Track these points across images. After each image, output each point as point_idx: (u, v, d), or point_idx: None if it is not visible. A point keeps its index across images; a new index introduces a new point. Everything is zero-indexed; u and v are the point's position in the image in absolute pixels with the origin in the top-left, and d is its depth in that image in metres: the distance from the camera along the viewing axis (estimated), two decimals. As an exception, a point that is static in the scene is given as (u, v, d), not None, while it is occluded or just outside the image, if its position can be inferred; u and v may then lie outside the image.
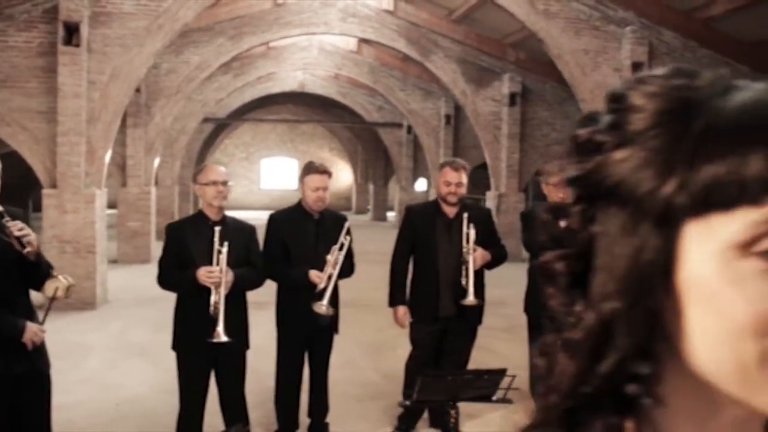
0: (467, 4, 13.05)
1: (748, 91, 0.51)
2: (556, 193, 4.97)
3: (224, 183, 4.22)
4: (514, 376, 3.68)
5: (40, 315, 3.69)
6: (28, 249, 3.38)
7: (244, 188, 32.55)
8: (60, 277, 3.66)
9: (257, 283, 4.44)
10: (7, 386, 3.45)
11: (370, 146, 28.48)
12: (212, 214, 4.23)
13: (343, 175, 33.17)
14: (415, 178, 23.41)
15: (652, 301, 0.52)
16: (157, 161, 14.87)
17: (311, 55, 19.00)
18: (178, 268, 4.18)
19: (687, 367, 0.53)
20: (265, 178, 33.50)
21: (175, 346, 4.33)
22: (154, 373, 6.27)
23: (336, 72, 20.56)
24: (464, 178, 4.79)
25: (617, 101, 0.55)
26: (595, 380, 0.54)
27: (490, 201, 15.25)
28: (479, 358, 5.97)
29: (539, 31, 10.54)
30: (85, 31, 9.35)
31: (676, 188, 0.50)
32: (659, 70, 0.55)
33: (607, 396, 0.54)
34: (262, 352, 5.14)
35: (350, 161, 32.72)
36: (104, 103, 9.50)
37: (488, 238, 4.86)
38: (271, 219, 4.81)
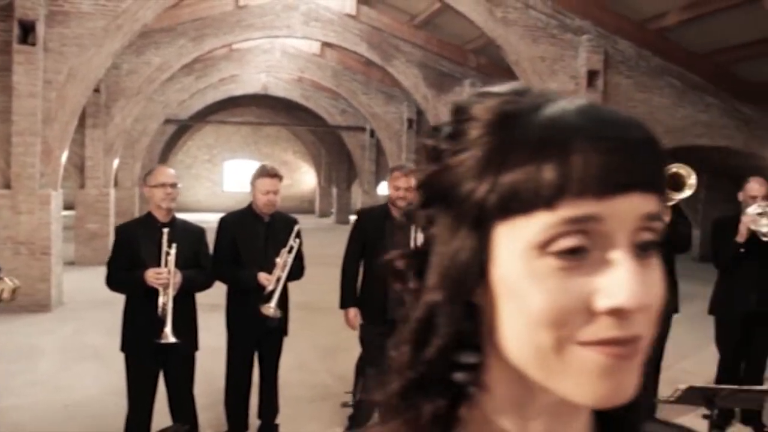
0: (429, 9, 13.18)
1: (555, 107, 0.56)
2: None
3: (173, 185, 4.24)
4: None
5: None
6: None
7: (208, 190, 32.34)
8: (6, 278, 3.66)
9: (206, 285, 4.47)
10: None
11: (334, 149, 28.50)
12: (161, 216, 4.25)
13: (306, 178, 33.16)
14: (377, 182, 23.49)
15: (471, 296, 0.57)
16: (116, 162, 14.73)
17: (274, 57, 18.99)
18: (127, 269, 4.19)
19: (505, 357, 0.58)
20: (228, 180, 33.30)
21: (124, 347, 4.33)
22: (106, 376, 6.23)
23: (299, 75, 20.58)
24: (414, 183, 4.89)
25: (459, 113, 0.60)
26: (421, 366, 0.59)
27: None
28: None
29: (497, 38, 10.71)
30: (41, 29, 9.26)
31: (486, 192, 0.55)
32: (498, 87, 0.60)
33: (437, 382, 0.59)
34: (214, 354, 5.15)
35: (314, 164, 32.69)
36: (61, 103, 9.41)
37: None
38: (222, 221, 4.84)
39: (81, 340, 7.87)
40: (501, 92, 0.59)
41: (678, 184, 5.00)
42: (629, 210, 0.54)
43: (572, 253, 0.53)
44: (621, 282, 0.53)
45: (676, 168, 5.03)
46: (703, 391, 3.84)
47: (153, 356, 4.21)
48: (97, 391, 5.92)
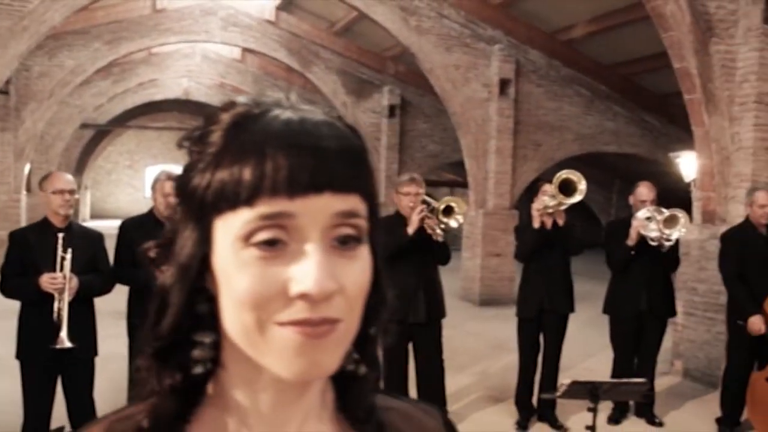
0: (347, 17, 13.32)
1: (269, 117, 0.64)
2: (405, 201, 5.20)
3: (71, 192, 4.22)
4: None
5: None
6: None
7: (129, 196, 31.73)
8: None
9: (105, 290, 4.44)
10: None
11: (258, 155, 28.34)
12: (57, 222, 4.22)
13: (230, 185, 32.91)
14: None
15: (199, 282, 0.65)
16: (28, 167, 14.33)
17: (194, 62, 18.82)
18: (22, 275, 4.14)
19: (230, 336, 0.65)
20: (150, 186, 32.70)
21: (19, 354, 4.27)
22: (3, 384, 6.11)
23: (221, 80, 20.42)
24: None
25: (209, 119, 0.67)
26: (157, 342, 0.67)
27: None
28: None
29: (411, 45, 10.93)
30: (-58, 29, 9.00)
31: (203, 189, 0.63)
32: (242, 98, 0.68)
33: (174, 357, 0.67)
34: (122, 361, 5.09)
35: (239, 170, 32.46)
36: (-35, 106, 9.16)
37: None
38: (122, 225, 4.82)
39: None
40: (243, 102, 0.67)
41: (569, 189, 5.21)
42: (321, 208, 0.62)
43: (270, 244, 0.61)
44: (308, 271, 0.60)
45: (566, 174, 5.23)
46: (585, 385, 4.06)
47: (49, 362, 4.17)
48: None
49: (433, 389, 5.33)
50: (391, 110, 15.36)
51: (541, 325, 5.55)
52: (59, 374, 4.29)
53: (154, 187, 4.77)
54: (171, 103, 24.91)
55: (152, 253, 0.70)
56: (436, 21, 10.98)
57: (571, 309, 5.60)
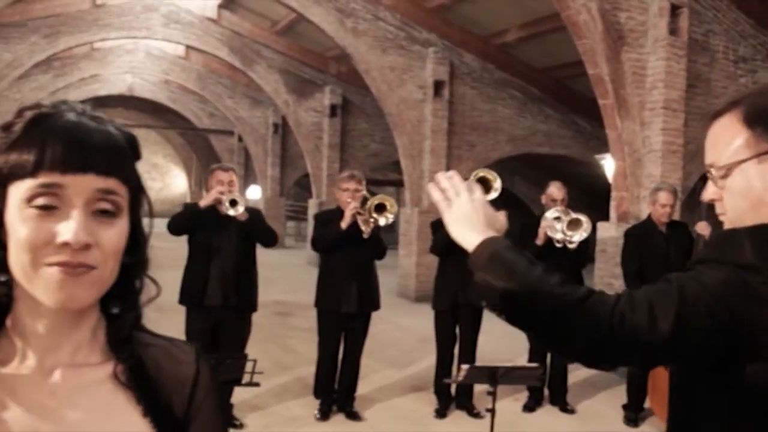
0: (289, 17, 13.45)
1: (62, 116, 0.88)
2: (343, 196, 5.50)
3: None
4: (255, 360, 4.07)
5: None
6: None
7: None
8: None
9: None
10: None
11: (203, 153, 28.23)
12: None
13: (177, 181, 32.65)
14: (246, 186, 23.50)
15: None
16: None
17: (137, 58, 18.71)
18: None
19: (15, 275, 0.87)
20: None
21: None
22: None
23: (165, 77, 20.32)
24: (235, 178, 5.22)
25: (18, 113, 0.90)
26: None
27: (312, 208, 15.72)
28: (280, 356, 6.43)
29: (348, 47, 11.14)
30: None
31: (2, 164, 0.86)
32: (49, 102, 0.92)
33: None
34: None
35: (185, 168, 32.25)
36: None
37: None
38: None
39: None
40: (44, 105, 0.91)
41: (485, 187, 5.44)
42: (84, 185, 0.85)
43: (45, 208, 0.84)
44: (70, 227, 0.84)
45: (483, 173, 5.46)
46: (483, 370, 4.31)
47: None
48: None
49: (351, 373, 5.75)
50: (333, 110, 15.55)
51: (457, 317, 5.81)
52: None
53: None
54: (116, 99, 24.67)
55: None
56: (372, 23, 11.20)
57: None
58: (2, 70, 13.64)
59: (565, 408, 6.14)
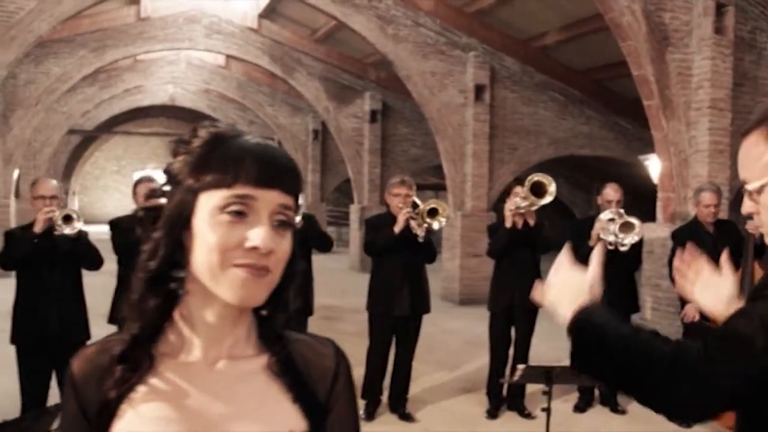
0: (328, 24, 13.60)
1: (243, 139, 1.02)
2: (395, 201, 5.62)
3: (52, 197, 4.50)
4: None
5: None
6: None
7: (117, 201, 31.78)
8: None
9: (95, 256, 4.76)
10: None
11: (244, 160, 28.49)
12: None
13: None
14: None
15: (180, 237, 1.01)
16: (16, 173, 14.55)
17: (179, 69, 19.02)
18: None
19: (196, 274, 1.00)
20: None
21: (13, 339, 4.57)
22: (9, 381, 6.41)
23: (205, 86, 20.64)
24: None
25: (192, 131, 1.04)
26: (148, 275, 1.02)
27: (353, 213, 15.85)
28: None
29: (389, 53, 11.25)
30: (-68, 40, 9.26)
31: (195, 179, 0.99)
32: (221, 124, 1.06)
33: (158, 286, 1.01)
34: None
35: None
36: (-46, 114, 9.42)
37: None
38: (112, 222, 5.15)
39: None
40: (218, 125, 1.05)
41: (540, 191, 5.49)
42: (272, 199, 0.98)
43: (237, 214, 0.97)
44: (259, 234, 0.96)
45: (538, 177, 5.50)
46: (539, 369, 4.36)
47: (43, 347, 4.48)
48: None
49: (403, 375, 5.85)
50: (373, 115, 15.66)
51: (512, 319, 5.86)
52: (54, 359, 4.53)
53: (135, 190, 5.09)
54: (157, 109, 25.12)
55: (141, 214, 1.06)
56: (412, 29, 11.30)
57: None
58: (52, 84, 14.01)
59: (616, 408, 6.14)
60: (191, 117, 26.67)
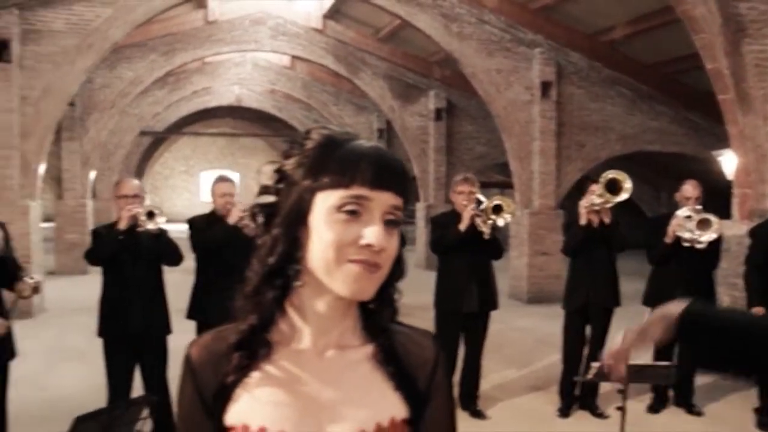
0: (392, 24, 13.67)
1: (357, 143, 1.06)
2: (459, 199, 5.66)
3: (134, 196, 4.67)
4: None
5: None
6: None
7: (186, 201, 32.54)
8: (27, 278, 4.12)
9: (176, 252, 4.93)
10: None
11: (309, 159, 28.78)
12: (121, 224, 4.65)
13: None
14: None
15: (296, 231, 1.07)
16: (93, 174, 15.06)
17: (245, 70, 19.34)
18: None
19: (311, 268, 1.06)
20: (204, 190, 33.48)
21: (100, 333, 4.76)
22: (87, 374, 6.69)
23: (271, 87, 20.93)
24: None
25: (306, 133, 1.10)
26: (266, 269, 1.09)
27: (419, 211, 15.89)
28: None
29: (453, 51, 11.23)
30: (16, 47, 9.67)
31: (312, 179, 1.04)
32: (332, 126, 1.12)
33: (275, 279, 1.08)
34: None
35: (290, 174, 32.98)
36: (37, 118, 9.81)
37: None
38: (190, 221, 5.32)
39: (62, 343, 8.33)
40: (332, 128, 1.10)
41: (616, 188, 5.43)
42: (385, 200, 1.03)
43: (352, 213, 1.02)
44: (373, 232, 1.01)
45: (613, 174, 5.44)
46: (615, 368, 4.31)
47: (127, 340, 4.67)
48: (78, 389, 6.36)
49: (473, 372, 5.86)
50: (438, 113, 15.66)
51: (587, 317, 5.80)
52: (138, 353, 4.76)
53: (212, 190, 5.24)
54: (224, 110, 25.61)
55: (257, 210, 1.13)
56: (477, 27, 11.26)
57: (616, 303, 5.79)
58: (126, 88, 14.45)
59: (692, 409, 6.02)
60: (256, 117, 27.18)
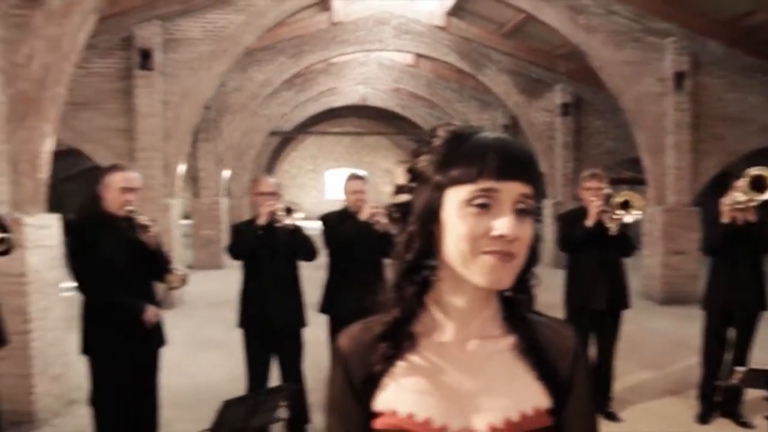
0: (516, 18, 13.50)
1: (482, 135, 1.09)
2: (586, 195, 5.53)
3: (271, 194, 4.86)
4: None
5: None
6: (148, 233, 4.15)
7: (313, 199, 33.36)
8: (176, 270, 4.41)
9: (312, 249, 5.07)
10: (129, 353, 4.15)
11: (432, 157, 28.90)
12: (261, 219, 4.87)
13: (406, 186, 33.76)
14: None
15: (431, 229, 1.10)
16: (227, 173, 15.75)
17: (370, 70, 19.66)
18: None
19: (447, 261, 1.09)
20: (330, 188, 34.25)
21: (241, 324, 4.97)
22: (226, 363, 7.05)
23: (395, 86, 21.15)
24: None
25: (431, 131, 1.14)
26: (404, 265, 1.13)
27: (547, 208, 15.60)
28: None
29: (581, 44, 10.93)
30: (158, 56, 10.28)
31: (441, 176, 1.07)
32: (456, 122, 1.15)
33: (413, 274, 1.12)
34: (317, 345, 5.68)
35: (414, 172, 33.19)
36: (177, 121, 10.38)
37: None
38: (324, 217, 5.47)
39: (202, 334, 8.78)
40: (455, 125, 1.13)
41: (762, 186, 5.12)
42: (513, 189, 1.05)
43: (482, 207, 1.04)
44: (504, 223, 1.03)
45: (758, 171, 5.13)
46: (763, 373, 4.10)
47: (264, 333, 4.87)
48: (218, 377, 6.72)
49: (604, 373, 5.68)
50: (565, 108, 15.30)
51: (729, 319, 5.49)
52: (275, 344, 4.93)
53: (344, 188, 5.37)
54: (349, 109, 26.12)
55: (393, 210, 1.17)
56: (604, 18, 10.91)
57: (761, 307, 5.47)
58: (256, 90, 15.03)
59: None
60: (381, 116, 27.54)
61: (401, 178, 1.17)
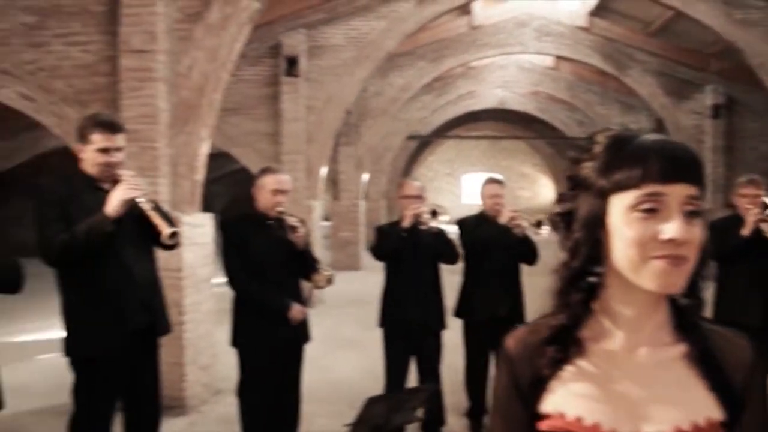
0: (663, 17, 12.99)
1: (642, 138, 1.07)
2: (742, 202, 5.25)
3: (416, 197, 4.95)
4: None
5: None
6: (297, 233, 4.30)
7: (450, 203, 33.39)
8: (323, 270, 4.58)
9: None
10: (276, 347, 4.36)
11: (572, 161, 28.22)
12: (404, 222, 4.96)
13: (545, 191, 33.17)
14: (617, 192, 22.95)
15: (597, 235, 1.10)
16: (366, 177, 16.09)
17: (509, 73, 19.47)
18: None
19: (615, 267, 1.08)
20: (466, 193, 34.18)
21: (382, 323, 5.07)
22: (362, 360, 7.26)
23: (534, 89, 20.84)
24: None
25: (590, 138, 1.14)
26: (571, 272, 1.13)
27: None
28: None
29: (737, 41, 10.36)
30: (303, 63, 10.71)
31: (605, 182, 1.07)
32: (613, 127, 1.15)
33: (579, 281, 1.12)
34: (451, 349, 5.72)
35: (552, 176, 32.64)
36: (320, 126, 10.76)
37: None
38: (460, 222, 5.49)
39: (339, 332, 9.05)
40: (614, 129, 1.13)
41: None
42: (680, 192, 1.03)
43: (648, 211, 1.03)
44: (673, 226, 1.02)
45: None
46: None
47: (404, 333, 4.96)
48: (355, 374, 6.92)
49: None
50: (716, 110, 14.48)
51: None
52: (415, 345, 5.00)
53: (482, 192, 5.38)
54: (486, 113, 25.93)
55: (557, 219, 1.18)
56: (765, 12, 10.28)
57: None
58: (396, 94, 15.27)
59: None
60: (518, 119, 27.17)
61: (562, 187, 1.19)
